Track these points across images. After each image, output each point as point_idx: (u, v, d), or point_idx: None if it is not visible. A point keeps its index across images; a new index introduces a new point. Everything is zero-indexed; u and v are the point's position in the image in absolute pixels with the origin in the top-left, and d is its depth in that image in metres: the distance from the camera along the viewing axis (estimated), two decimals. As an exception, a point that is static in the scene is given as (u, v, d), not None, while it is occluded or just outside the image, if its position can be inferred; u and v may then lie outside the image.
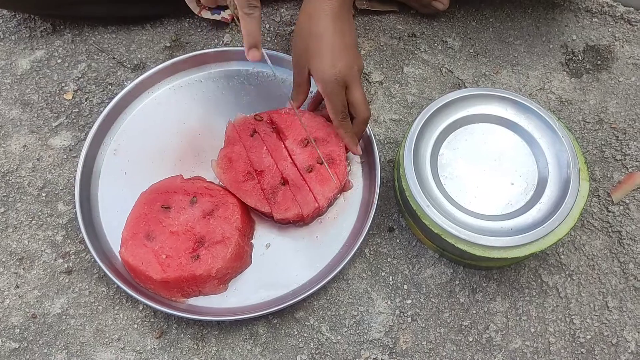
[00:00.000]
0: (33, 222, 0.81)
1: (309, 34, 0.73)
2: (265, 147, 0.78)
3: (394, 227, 0.81)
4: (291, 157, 0.78)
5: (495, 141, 0.75)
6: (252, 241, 0.79)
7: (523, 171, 0.73)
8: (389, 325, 0.75)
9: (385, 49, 0.93)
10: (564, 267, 0.78)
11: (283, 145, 0.79)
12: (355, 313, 0.76)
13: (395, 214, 0.82)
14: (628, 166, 0.83)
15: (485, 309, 0.76)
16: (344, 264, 0.75)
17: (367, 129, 0.79)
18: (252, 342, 0.74)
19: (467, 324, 0.75)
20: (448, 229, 0.69)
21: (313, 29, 0.73)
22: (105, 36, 0.94)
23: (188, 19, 0.96)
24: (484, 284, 0.77)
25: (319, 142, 0.78)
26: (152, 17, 0.95)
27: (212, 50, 0.88)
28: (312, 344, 0.74)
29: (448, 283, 0.77)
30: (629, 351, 0.74)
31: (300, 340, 0.74)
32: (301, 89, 0.78)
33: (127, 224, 0.75)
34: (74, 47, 0.93)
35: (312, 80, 0.77)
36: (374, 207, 0.77)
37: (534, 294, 0.77)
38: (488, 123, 0.76)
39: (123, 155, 0.83)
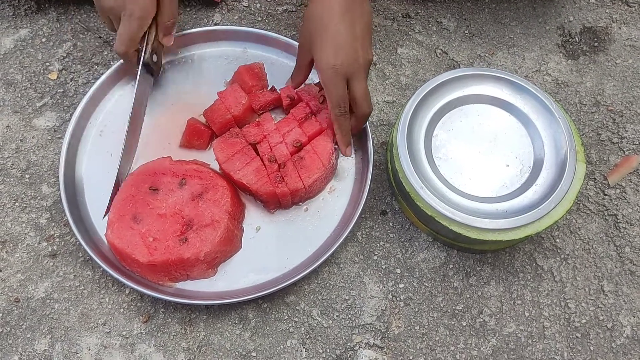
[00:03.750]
0: (16, 204, 0.78)
1: (316, 20, 0.70)
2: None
3: (387, 210, 0.79)
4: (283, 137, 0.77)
5: (491, 122, 0.74)
6: (242, 225, 0.77)
7: (519, 153, 0.72)
8: (381, 309, 0.74)
9: (378, 29, 0.91)
10: (559, 251, 0.77)
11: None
12: (347, 297, 0.74)
13: (388, 197, 0.80)
14: (625, 149, 0.82)
15: (479, 293, 0.75)
16: (335, 247, 0.73)
17: None
18: (241, 326, 0.73)
19: (460, 308, 0.74)
20: (442, 210, 0.67)
21: (321, 15, 0.70)
22: (92, 15, 0.91)
23: (177, -2, 0.93)
24: (478, 268, 0.76)
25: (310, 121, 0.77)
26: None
27: (201, 29, 0.86)
28: (302, 329, 0.73)
29: (441, 267, 0.76)
30: (625, 335, 0.73)
31: (290, 324, 0.73)
32: (301, 71, 0.76)
33: (114, 205, 0.74)
34: (59, 25, 0.91)
35: None
36: (367, 189, 0.76)
37: (529, 277, 0.75)
38: (483, 104, 0.74)
39: (109, 136, 0.81)
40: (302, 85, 0.79)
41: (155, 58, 0.79)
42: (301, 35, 0.73)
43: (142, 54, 0.78)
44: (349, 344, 0.72)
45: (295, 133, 0.76)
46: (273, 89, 0.82)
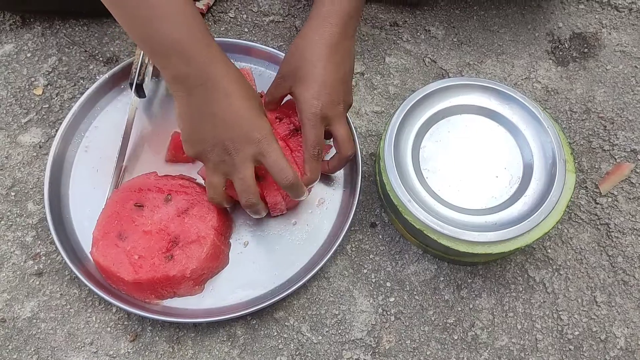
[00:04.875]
0: (2, 222, 0.77)
1: (301, 57, 0.69)
2: None
3: (377, 222, 0.78)
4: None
5: (479, 133, 0.73)
6: (229, 240, 0.76)
7: (507, 163, 0.71)
8: (372, 324, 0.73)
9: (366, 38, 0.91)
10: (551, 262, 0.76)
11: None
12: (337, 312, 0.73)
13: (378, 209, 0.79)
14: (616, 156, 0.81)
15: (471, 306, 0.74)
16: (324, 261, 0.72)
17: (348, 120, 0.76)
18: (229, 344, 0.72)
19: (452, 321, 0.73)
20: (430, 224, 0.66)
21: (307, 53, 0.69)
22: (77, 29, 0.91)
23: (163, 10, 0.92)
24: (469, 280, 0.75)
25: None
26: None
27: (187, 42, 0.85)
28: (292, 345, 0.72)
29: (432, 280, 0.75)
30: (618, 347, 0.72)
31: (279, 341, 0.72)
32: (274, 103, 0.75)
33: (99, 223, 0.73)
34: (44, 40, 0.90)
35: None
36: (356, 202, 0.75)
37: (521, 289, 0.75)
38: (471, 114, 0.73)
39: (95, 152, 0.80)
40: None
41: (146, 80, 0.79)
42: (283, 67, 0.72)
43: (135, 76, 0.78)
44: (339, 359, 0.71)
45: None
46: (262, 95, 0.81)
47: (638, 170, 0.80)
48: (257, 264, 0.75)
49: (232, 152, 0.65)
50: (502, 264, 0.76)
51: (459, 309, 0.74)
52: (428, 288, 0.75)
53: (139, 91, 0.79)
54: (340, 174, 0.79)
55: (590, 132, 0.83)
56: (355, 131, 0.78)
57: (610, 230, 0.77)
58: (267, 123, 0.66)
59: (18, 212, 0.78)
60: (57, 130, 0.79)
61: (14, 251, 0.76)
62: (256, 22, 0.92)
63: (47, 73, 0.87)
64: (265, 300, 0.70)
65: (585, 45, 0.90)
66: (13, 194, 0.79)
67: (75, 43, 0.90)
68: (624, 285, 0.75)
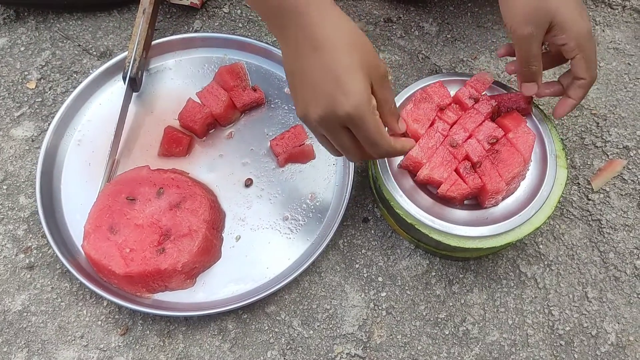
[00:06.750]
0: (-7, 216, 0.77)
1: None
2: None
3: (369, 217, 0.78)
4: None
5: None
6: (222, 234, 0.76)
7: (499, 158, 0.71)
8: (363, 318, 0.73)
9: (360, 34, 0.91)
10: (542, 257, 0.76)
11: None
12: (328, 307, 0.73)
13: (370, 204, 0.79)
14: (608, 153, 0.81)
15: (462, 301, 0.74)
16: (316, 256, 0.72)
17: None
18: (220, 337, 0.72)
19: (443, 316, 0.73)
20: (421, 219, 0.66)
21: None
22: (71, 23, 0.91)
23: (157, 5, 0.92)
24: (460, 275, 0.75)
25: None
26: (120, 3, 0.91)
27: (180, 36, 0.85)
28: (283, 339, 0.72)
29: (424, 275, 0.75)
30: (609, 342, 0.72)
31: (271, 335, 0.72)
32: (538, 57, 0.66)
33: (90, 216, 0.73)
34: (37, 34, 0.90)
35: None
36: (347, 197, 0.75)
37: (512, 284, 0.75)
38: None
39: (87, 146, 0.80)
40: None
41: (140, 74, 0.79)
42: (520, 17, 0.63)
43: (129, 70, 0.78)
44: (330, 354, 0.71)
45: (487, 127, 0.69)
46: (255, 88, 0.81)
47: (630, 167, 0.80)
48: (249, 258, 0.75)
49: (319, 119, 0.56)
50: (493, 259, 0.76)
51: (451, 304, 0.74)
52: (420, 283, 0.75)
53: (133, 85, 0.80)
54: (333, 169, 0.79)
55: (582, 129, 0.83)
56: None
57: (602, 226, 0.77)
58: (362, 84, 0.55)
59: (10, 205, 0.78)
60: (49, 124, 0.79)
61: (5, 244, 0.76)
62: (250, 17, 0.92)
63: (40, 67, 0.87)
64: (256, 294, 0.71)
65: (578, 42, 0.90)
66: (5, 187, 0.79)
67: (69, 37, 0.89)
68: (615, 281, 0.75)
